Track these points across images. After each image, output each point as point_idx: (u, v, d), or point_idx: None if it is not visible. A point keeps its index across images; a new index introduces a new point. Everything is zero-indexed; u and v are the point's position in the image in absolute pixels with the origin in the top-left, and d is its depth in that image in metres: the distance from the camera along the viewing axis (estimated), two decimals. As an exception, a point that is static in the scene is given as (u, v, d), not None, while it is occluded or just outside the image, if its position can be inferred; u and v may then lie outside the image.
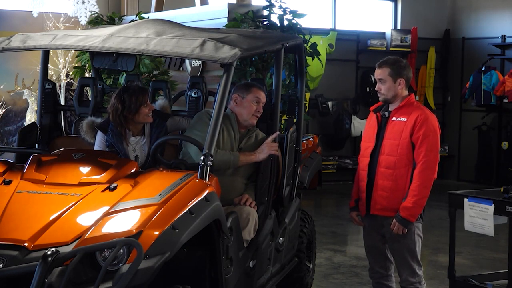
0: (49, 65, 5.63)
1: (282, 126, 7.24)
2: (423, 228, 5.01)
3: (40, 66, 5.41)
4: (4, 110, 10.17)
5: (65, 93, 9.87)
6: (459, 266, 6.63)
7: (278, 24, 8.03)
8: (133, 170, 4.18)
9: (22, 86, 9.82)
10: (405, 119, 4.83)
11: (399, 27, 13.41)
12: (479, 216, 5.63)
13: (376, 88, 4.94)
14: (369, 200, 4.95)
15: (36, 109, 8.50)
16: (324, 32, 12.09)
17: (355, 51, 13.12)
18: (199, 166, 4.01)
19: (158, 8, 10.63)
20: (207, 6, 9.94)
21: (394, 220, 4.81)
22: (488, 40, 12.76)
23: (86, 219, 3.64)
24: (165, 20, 4.80)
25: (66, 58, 9.88)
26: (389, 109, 4.95)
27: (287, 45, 5.18)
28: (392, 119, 4.90)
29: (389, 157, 4.85)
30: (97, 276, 3.32)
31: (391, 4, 13.58)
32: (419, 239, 4.94)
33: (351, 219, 5.15)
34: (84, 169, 4.10)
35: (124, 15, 9.89)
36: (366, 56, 13.05)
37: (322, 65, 10.52)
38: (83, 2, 9.48)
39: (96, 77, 5.86)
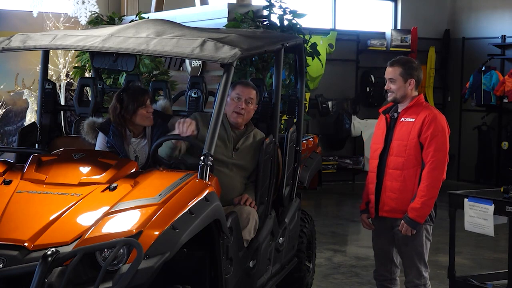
0: (49, 65, 5.63)
1: (282, 126, 7.24)
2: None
3: (40, 66, 5.41)
4: (4, 110, 10.17)
5: (65, 93, 9.87)
6: (459, 266, 6.63)
7: (278, 24, 8.04)
8: (133, 170, 4.18)
9: (22, 86, 9.82)
10: (413, 119, 4.79)
11: (399, 27, 13.41)
12: (479, 216, 5.63)
13: (385, 87, 4.88)
14: (378, 201, 4.91)
15: (36, 109, 8.50)
16: (324, 32, 12.10)
17: (355, 51, 13.12)
18: (199, 166, 4.01)
19: (158, 8, 10.63)
20: (207, 6, 9.94)
21: (402, 221, 4.77)
22: (488, 40, 12.76)
23: (86, 219, 3.63)
24: (165, 20, 4.80)
25: (66, 58, 9.88)
26: (398, 110, 4.92)
27: (287, 45, 5.18)
28: (401, 119, 4.85)
29: (397, 158, 4.81)
30: (97, 276, 3.32)
31: (391, 4, 13.58)
32: (428, 241, 4.88)
33: (361, 221, 5.09)
34: (84, 169, 4.10)
35: (124, 15, 9.90)
36: (366, 56, 13.06)
37: (322, 65, 10.52)
38: (83, 2, 9.48)
39: (96, 77, 5.86)
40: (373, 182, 4.93)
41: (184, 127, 4.31)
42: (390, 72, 4.86)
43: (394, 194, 4.83)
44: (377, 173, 4.90)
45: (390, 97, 4.89)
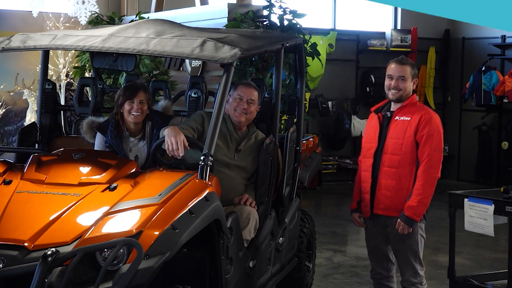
0: (49, 65, 5.63)
1: (282, 126, 7.24)
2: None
3: (40, 66, 5.41)
4: (4, 110, 10.17)
5: (65, 93, 9.87)
6: (459, 266, 6.63)
7: (278, 24, 8.04)
8: (133, 170, 4.18)
9: (22, 86, 9.82)
10: (409, 118, 4.83)
11: (399, 27, 13.41)
12: (479, 216, 5.63)
13: (393, 85, 4.85)
14: (373, 200, 4.94)
15: (36, 109, 8.50)
16: (324, 32, 12.10)
17: (355, 51, 13.12)
18: (199, 166, 4.01)
19: (158, 8, 10.63)
20: (207, 6, 9.94)
21: (398, 220, 4.79)
22: (488, 40, 12.75)
23: (86, 219, 3.64)
24: (165, 20, 4.80)
25: (66, 58, 9.88)
26: (391, 109, 4.95)
27: (287, 45, 5.18)
28: (395, 118, 4.89)
29: (393, 156, 4.84)
30: (97, 276, 3.32)
31: (391, 4, 13.58)
32: (422, 239, 4.93)
33: (352, 220, 5.12)
34: (84, 169, 4.10)
35: (124, 15, 9.90)
36: (366, 56, 13.06)
37: (322, 65, 10.52)
38: (83, 2, 9.48)
39: (96, 77, 5.86)
40: (367, 181, 4.94)
41: (174, 147, 4.17)
42: (401, 70, 4.86)
43: (389, 192, 4.86)
44: (372, 171, 4.92)
45: (395, 95, 4.88)
